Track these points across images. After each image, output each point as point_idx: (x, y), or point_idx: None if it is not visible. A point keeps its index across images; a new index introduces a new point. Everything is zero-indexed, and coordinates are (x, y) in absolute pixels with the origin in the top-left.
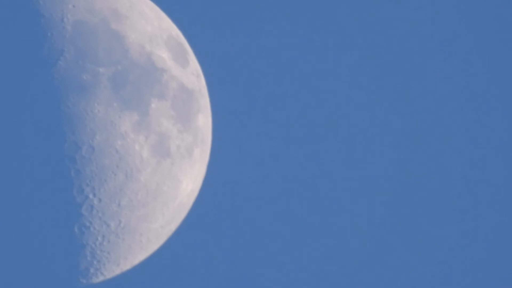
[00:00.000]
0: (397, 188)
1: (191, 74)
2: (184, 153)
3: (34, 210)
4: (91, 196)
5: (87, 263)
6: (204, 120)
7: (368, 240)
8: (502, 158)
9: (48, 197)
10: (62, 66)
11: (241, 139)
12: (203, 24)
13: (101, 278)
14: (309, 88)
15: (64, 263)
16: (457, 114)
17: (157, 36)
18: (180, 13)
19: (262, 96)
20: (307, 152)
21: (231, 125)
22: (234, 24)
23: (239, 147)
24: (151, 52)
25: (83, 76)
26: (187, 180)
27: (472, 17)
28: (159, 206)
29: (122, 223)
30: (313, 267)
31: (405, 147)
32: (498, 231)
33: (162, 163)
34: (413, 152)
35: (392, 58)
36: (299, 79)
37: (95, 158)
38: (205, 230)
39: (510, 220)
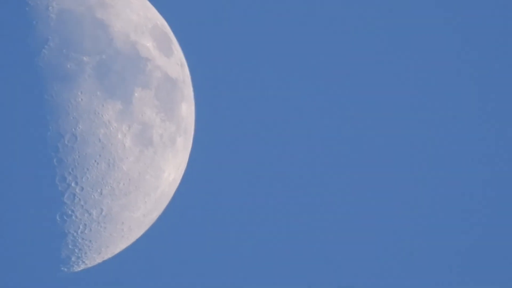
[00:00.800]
0: (379, 184)
1: (175, 64)
2: (167, 142)
3: (16, 199)
4: (73, 184)
5: (68, 251)
6: (187, 110)
7: (344, 230)
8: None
9: (30, 186)
10: (46, 54)
11: (223, 129)
12: (188, 14)
13: (82, 267)
14: (293, 78)
15: (46, 251)
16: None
17: (142, 26)
18: (166, 3)
19: (245, 86)
20: (290, 142)
21: (214, 115)
22: (218, 14)
23: (222, 136)
24: (135, 41)
25: (67, 65)
26: (170, 169)
27: (472, 17)
28: (141, 195)
29: (104, 212)
30: (294, 254)
31: (384, 146)
32: (498, 231)
33: (144, 152)
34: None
35: (374, 57)
36: (283, 69)
37: (77, 147)
38: (187, 219)
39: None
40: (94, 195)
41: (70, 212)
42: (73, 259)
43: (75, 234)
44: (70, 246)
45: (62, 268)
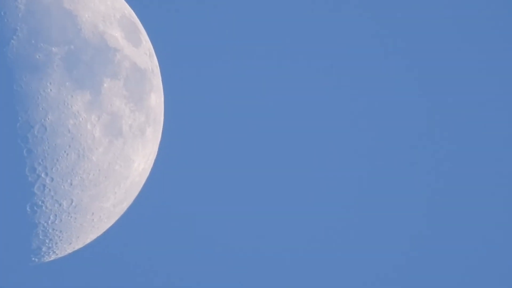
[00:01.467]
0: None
1: (143, 54)
2: (136, 133)
3: None
4: (43, 175)
5: (39, 241)
6: (156, 100)
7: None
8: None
9: (0, 176)
10: (15, 45)
11: (192, 119)
12: (156, 3)
13: (53, 257)
14: (264, 65)
15: (16, 242)
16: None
17: (110, 16)
18: None
19: (215, 77)
20: (260, 131)
21: (183, 105)
22: (187, 3)
23: (191, 126)
24: (104, 31)
25: (36, 56)
26: (139, 159)
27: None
28: (111, 185)
29: (74, 202)
30: (268, 248)
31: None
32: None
33: (114, 143)
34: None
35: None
36: (253, 58)
37: (47, 138)
38: (157, 209)
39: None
40: (64, 186)
41: (40, 203)
42: (43, 249)
43: (45, 224)
44: (40, 237)
45: (33, 258)
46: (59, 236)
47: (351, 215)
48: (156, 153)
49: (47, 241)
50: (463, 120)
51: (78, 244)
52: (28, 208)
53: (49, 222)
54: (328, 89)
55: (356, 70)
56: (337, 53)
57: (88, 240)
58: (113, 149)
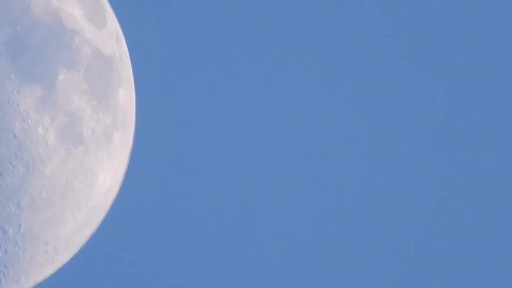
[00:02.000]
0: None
1: (109, 37)
2: (100, 139)
3: None
4: None
5: None
6: (125, 96)
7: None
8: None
9: None
10: None
11: (171, 120)
12: None
13: None
14: (246, 52)
15: None
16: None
17: None
18: None
19: (196, 66)
20: (244, 130)
21: (159, 102)
22: None
23: (169, 130)
24: (59, 8)
25: None
26: (105, 173)
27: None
28: (69, 206)
29: (22, 229)
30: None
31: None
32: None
33: (72, 152)
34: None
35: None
36: (234, 41)
37: None
38: (128, 236)
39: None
40: (9, 208)
41: None
42: None
43: None
44: None
45: None
46: (4, 272)
47: (350, 215)
48: (126, 165)
49: None
50: (466, 121)
51: (27, 283)
52: None
53: None
54: (297, 84)
55: (355, 70)
56: (328, 52)
57: (41, 278)
58: (71, 160)
